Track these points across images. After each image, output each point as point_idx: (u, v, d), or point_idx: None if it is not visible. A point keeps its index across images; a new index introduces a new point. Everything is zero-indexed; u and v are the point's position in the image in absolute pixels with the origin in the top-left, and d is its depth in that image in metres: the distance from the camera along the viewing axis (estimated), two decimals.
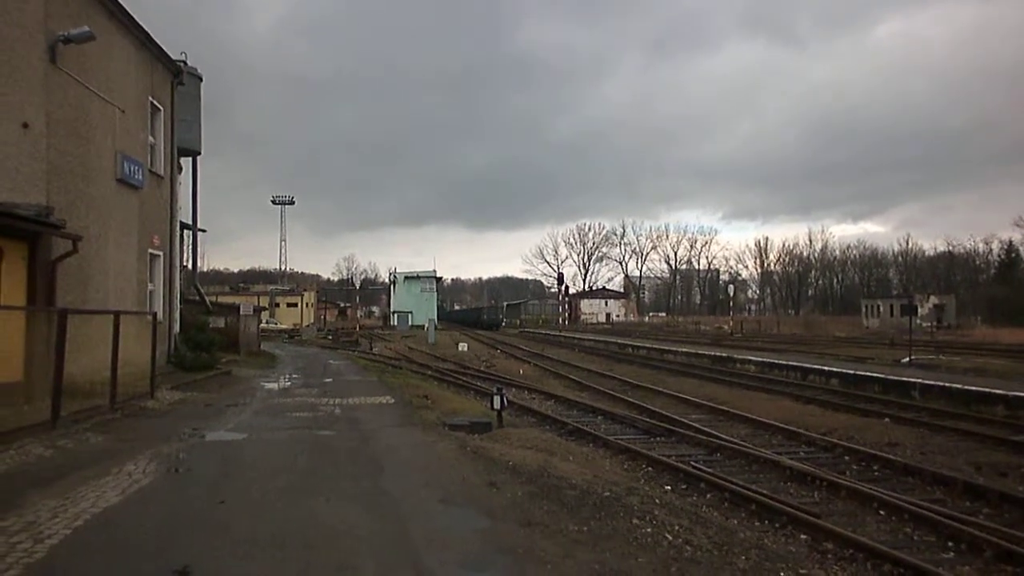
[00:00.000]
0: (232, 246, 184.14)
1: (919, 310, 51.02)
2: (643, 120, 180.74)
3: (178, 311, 20.89)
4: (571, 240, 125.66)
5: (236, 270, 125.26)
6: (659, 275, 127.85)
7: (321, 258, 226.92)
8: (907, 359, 24.40)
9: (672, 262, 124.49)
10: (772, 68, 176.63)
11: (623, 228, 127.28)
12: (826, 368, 21.42)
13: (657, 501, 7.12)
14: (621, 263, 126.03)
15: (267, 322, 59.93)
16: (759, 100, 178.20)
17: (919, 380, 17.47)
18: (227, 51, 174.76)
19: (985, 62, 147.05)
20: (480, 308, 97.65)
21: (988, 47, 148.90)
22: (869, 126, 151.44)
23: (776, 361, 24.53)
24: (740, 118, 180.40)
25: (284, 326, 68.79)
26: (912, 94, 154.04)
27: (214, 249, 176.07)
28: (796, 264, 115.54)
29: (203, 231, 28.45)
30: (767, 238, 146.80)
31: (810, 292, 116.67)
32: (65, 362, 9.98)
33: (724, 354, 28.83)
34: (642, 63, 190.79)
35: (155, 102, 18.23)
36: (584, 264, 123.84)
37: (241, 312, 28.88)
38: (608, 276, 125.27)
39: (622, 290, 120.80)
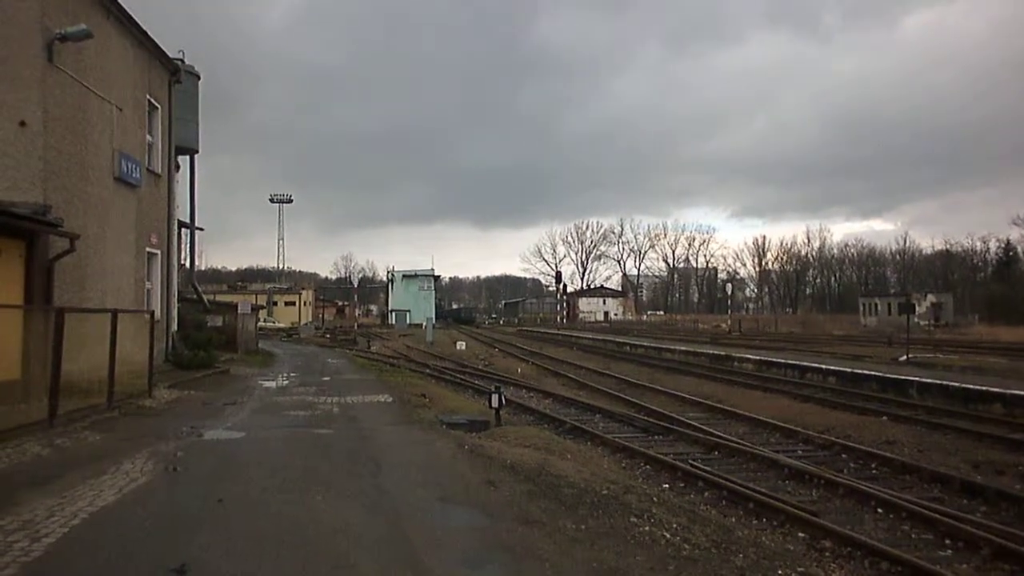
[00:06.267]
0: (233, 244, 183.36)
1: (917, 308, 51.03)
2: (657, 115, 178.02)
3: (176, 310, 20.89)
4: (569, 239, 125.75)
5: (234, 268, 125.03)
6: (657, 273, 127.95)
7: (319, 256, 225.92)
8: (904, 357, 24.44)
9: (670, 260, 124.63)
10: (795, 62, 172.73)
11: (621, 227, 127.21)
12: (824, 366, 21.43)
13: (655, 499, 7.11)
14: (619, 261, 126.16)
15: (265, 321, 60.00)
16: (779, 95, 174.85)
17: (917, 378, 17.48)
18: (235, 46, 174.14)
19: (1016, 53, 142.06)
20: (460, 308, 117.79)
21: (1021, 37, 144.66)
22: (892, 121, 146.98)
23: (774, 359, 24.52)
24: (757, 113, 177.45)
25: (282, 325, 68.86)
26: (939, 87, 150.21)
27: (213, 247, 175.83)
28: (794, 263, 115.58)
29: (201, 230, 28.47)
30: (765, 236, 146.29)
31: (808, 291, 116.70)
32: (63, 361, 9.97)
33: (722, 352, 28.83)
34: (659, 57, 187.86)
35: (153, 100, 18.21)
36: (582, 263, 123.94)
37: (239, 311, 28.87)
38: (606, 274, 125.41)
39: (620, 289, 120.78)
